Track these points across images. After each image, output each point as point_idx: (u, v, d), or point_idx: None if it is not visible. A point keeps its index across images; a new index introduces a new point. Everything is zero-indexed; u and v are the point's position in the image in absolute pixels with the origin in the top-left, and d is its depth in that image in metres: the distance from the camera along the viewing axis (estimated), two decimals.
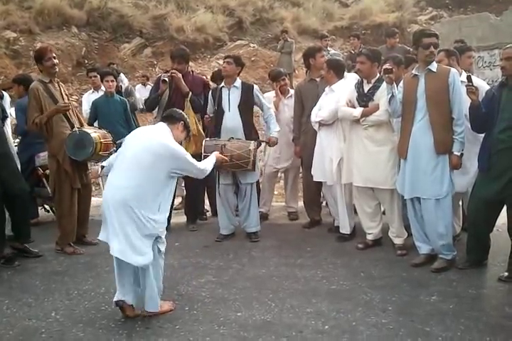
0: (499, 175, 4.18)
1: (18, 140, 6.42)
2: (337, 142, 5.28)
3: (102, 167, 3.96)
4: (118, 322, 3.70)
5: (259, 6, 16.58)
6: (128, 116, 6.65)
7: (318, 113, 5.35)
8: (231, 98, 5.47)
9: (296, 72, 13.57)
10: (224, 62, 5.61)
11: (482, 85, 4.75)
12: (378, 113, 4.87)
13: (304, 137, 5.82)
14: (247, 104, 5.50)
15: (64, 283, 4.46)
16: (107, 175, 3.83)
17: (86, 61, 13.71)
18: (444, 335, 3.38)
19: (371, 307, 3.83)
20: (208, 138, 5.35)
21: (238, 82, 5.54)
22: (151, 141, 3.66)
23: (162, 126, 3.82)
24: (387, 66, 4.54)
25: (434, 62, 4.49)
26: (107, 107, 6.55)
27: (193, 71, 6.34)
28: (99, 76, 7.37)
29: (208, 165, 4.03)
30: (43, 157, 5.97)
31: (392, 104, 4.60)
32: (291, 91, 6.27)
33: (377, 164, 4.93)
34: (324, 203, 6.33)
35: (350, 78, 5.42)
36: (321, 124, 5.38)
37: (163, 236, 3.71)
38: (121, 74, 10.94)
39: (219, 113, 5.49)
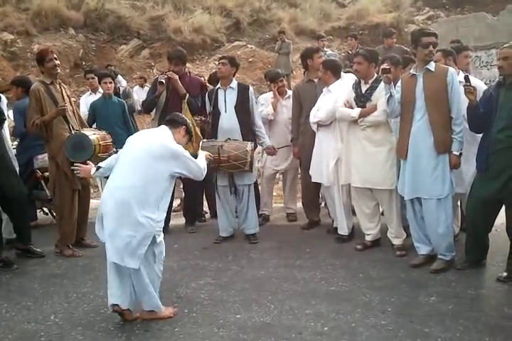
0: (497, 175, 4.18)
1: (16, 142, 6.41)
2: (334, 142, 5.29)
3: (98, 167, 3.90)
4: (117, 325, 3.70)
5: (257, 7, 16.56)
6: (126, 118, 6.64)
7: (316, 114, 5.35)
8: (227, 99, 5.46)
9: (294, 72, 13.54)
10: (218, 63, 5.61)
11: (480, 85, 4.76)
12: (376, 113, 4.87)
13: (302, 138, 5.82)
14: (244, 105, 5.49)
15: (63, 285, 4.46)
16: (106, 178, 3.82)
17: (83, 63, 13.67)
18: (443, 336, 3.39)
19: (370, 308, 3.83)
20: (205, 140, 5.35)
21: (234, 83, 5.54)
22: (152, 142, 3.67)
23: (164, 129, 3.84)
24: (385, 66, 4.55)
25: (432, 62, 4.50)
26: (105, 109, 6.54)
27: (190, 72, 6.34)
28: (96, 78, 7.36)
29: (203, 163, 3.98)
30: (41, 159, 5.96)
31: (391, 104, 4.59)
32: (289, 92, 6.28)
33: (376, 165, 4.93)
34: (323, 204, 6.33)
35: (348, 78, 5.42)
36: (319, 125, 5.38)
37: (161, 238, 3.68)
38: (119, 76, 10.94)
39: (215, 114, 5.49)
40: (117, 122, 6.49)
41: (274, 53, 13.89)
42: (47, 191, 6.07)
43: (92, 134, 5.15)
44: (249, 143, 5.26)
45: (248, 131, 5.53)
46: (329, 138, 5.34)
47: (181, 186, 6.25)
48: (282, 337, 3.45)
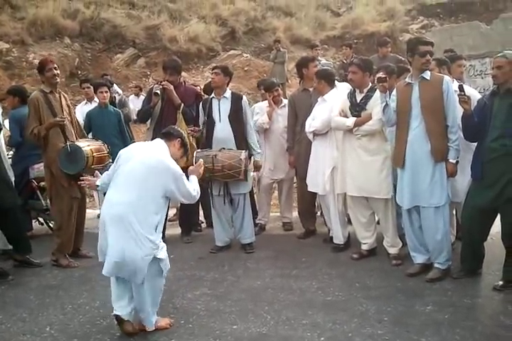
0: (492, 184, 4.19)
1: (12, 152, 6.41)
2: (330, 151, 5.30)
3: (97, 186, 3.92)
4: (113, 336, 3.68)
5: (252, 16, 16.64)
6: (122, 128, 6.63)
7: (312, 123, 5.37)
8: (221, 109, 5.48)
9: (289, 81, 13.60)
10: (212, 73, 5.63)
11: (474, 94, 4.78)
12: (371, 122, 4.89)
13: (298, 147, 5.84)
14: (238, 114, 5.50)
15: (58, 297, 4.44)
16: (104, 193, 3.82)
17: (79, 72, 13.69)
18: None
19: (367, 318, 3.83)
20: (199, 150, 5.35)
21: (228, 93, 5.55)
22: (150, 157, 3.65)
23: (159, 143, 3.83)
24: (380, 75, 4.57)
25: (428, 70, 4.52)
26: (101, 119, 6.54)
27: (185, 82, 6.34)
28: (92, 87, 7.37)
29: (196, 187, 3.89)
30: (37, 169, 5.96)
31: (387, 113, 4.61)
32: (285, 101, 6.29)
33: (371, 173, 4.94)
34: (319, 213, 6.34)
35: (343, 88, 5.45)
36: (315, 134, 5.39)
37: (164, 252, 3.62)
38: (115, 85, 10.94)
39: (209, 124, 5.49)
40: (113, 132, 6.48)
41: (270, 62, 13.94)
42: (42, 201, 6.07)
43: (87, 146, 5.15)
44: (243, 151, 5.27)
45: (242, 140, 5.52)
46: (325, 146, 5.35)
47: None
48: None
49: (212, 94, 5.60)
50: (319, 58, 10.74)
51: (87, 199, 6.44)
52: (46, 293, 4.52)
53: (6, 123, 6.34)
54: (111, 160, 5.09)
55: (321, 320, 3.82)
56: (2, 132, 5.70)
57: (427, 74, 4.48)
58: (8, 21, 13.90)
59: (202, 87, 7.25)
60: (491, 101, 4.26)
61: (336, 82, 5.58)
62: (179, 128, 4.13)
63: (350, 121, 4.96)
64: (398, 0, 18.46)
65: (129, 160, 3.66)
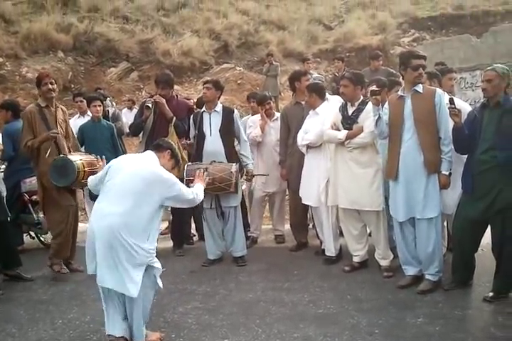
0: (483, 196, 4.21)
1: (4, 166, 6.39)
2: (324, 163, 5.32)
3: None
4: None
5: (245, 30, 16.76)
6: (115, 141, 6.62)
7: (305, 136, 5.38)
8: (212, 122, 5.51)
9: (282, 94, 13.67)
10: (204, 87, 5.65)
11: (464, 107, 4.81)
12: (362, 135, 4.92)
13: (290, 159, 5.85)
14: (228, 128, 5.53)
15: (48, 312, 4.41)
16: (93, 200, 3.81)
17: (72, 85, 13.73)
18: None
19: (358, 330, 3.82)
20: (189, 163, 5.37)
21: (219, 107, 5.58)
22: (140, 168, 3.66)
23: (149, 154, 3.85)
24: (373, 88, 4.60)
25: (420, 84, 4.56)
26: (94, 132, 6.54)
27: (177, 95, 6.37)
28: (85, 101, 7.38)
29: (199, 191, 3.96)
30: (29, 182, 5.95)
31: (379, 126, 4.63)
32: (277, 114, 6.32)
33: (363, 186, 4.96)
34: (311, 225, 6.33)
35: (334, 101, 5.48)
36: (308, 147, 5.41)
37: (158, 264, 3.62)
38: (108, 99, 10.96)
39: (200, 137, 5.52)
40: (106, 145, 6.46)
41: (262, 75, 14.01)
42: (34, 215, 6.05)
43: (79, 159, 5.14)
44: (234, 164, 5.28)
45: (233, 153, 5.56)
46: (319, 159, 5.37)
47: (169, 208, 6.23)
48: None
49: (204, 108, 5.63)
50: (311, 72, 10.82)
51: (79, 213, 6.41)
52: (36, 308, 4.49)
53: None
54: None
55: (313, 333, 3.81)
56: None
57: (420, 88, 4.52)
58: (2, 35, 13.96)
59: (195, 101, 7.28)
60: (480, 114, 4.29)
61: (327, 95, 5.62)
62: (170, 140, 4.14)
63: (342, 134, 4.98)
64: (390, 14, 18.66)
65: (119, 172, 3.65)
